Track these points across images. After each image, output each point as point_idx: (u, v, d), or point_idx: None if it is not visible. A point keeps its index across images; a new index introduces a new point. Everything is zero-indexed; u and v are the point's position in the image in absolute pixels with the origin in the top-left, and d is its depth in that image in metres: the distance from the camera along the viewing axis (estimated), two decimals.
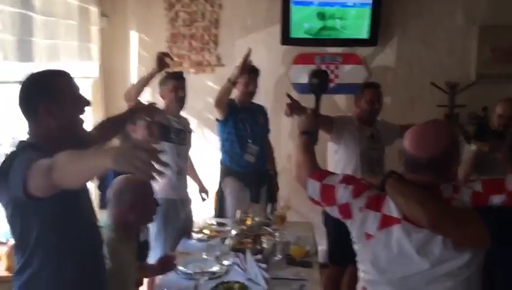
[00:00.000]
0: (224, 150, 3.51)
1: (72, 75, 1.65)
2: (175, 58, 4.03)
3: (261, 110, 3.61)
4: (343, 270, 3.31)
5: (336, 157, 3.20)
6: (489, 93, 4.10)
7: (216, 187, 3.55)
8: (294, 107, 2.91)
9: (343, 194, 1.57)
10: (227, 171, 3.50)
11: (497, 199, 1.45)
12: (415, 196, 1.44)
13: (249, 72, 3.33)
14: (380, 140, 3.26)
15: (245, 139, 3.43)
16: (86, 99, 1.67)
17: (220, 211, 3.48)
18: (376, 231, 1.49)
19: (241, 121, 3.44)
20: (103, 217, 2.11)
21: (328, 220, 3.23)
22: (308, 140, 1.86)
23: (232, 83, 3.24)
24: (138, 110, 2.50)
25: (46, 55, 3.04)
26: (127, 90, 3.01)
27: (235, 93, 3.43)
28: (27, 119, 1.60)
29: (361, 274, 1.61)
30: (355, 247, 1.60)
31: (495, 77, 4.14)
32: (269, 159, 3.66)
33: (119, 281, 1.97)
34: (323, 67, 4.16)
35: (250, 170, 3.45)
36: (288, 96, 2.98)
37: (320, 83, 2.07)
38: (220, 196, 3.50)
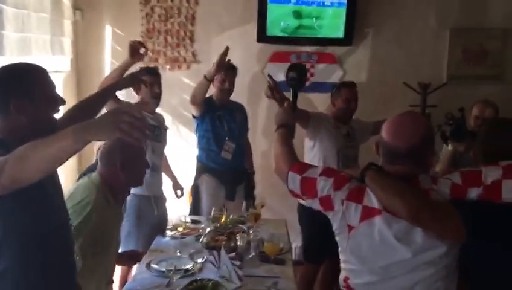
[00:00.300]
0: (201, 146, 3.49)
1: (47, 71, 1.58)
2: (150, 53, 4.00)
3: (239, 108, 3.60)
4: (317, 268, 3.35)
5: (312, 154, 3.23)
6: (460, 94, 4.20)
7: (191, 183, 3.53)
8: (274, 90, 2.85)
9: (324, 186, 1.58)
10: (203, 168, 3.48)
11: (474, 192, 1.49)
12: (394, 188, 1.47)
13: (226, 69, 3.32)
14: (355, 138, 3.31)
15: (222, 136, 3.42)
16: (60, 98, 1.60)
17: (195, 208, 3.47)
18: (358, 223, 1.51)
19: (218, 118, 3.43)
20: (91, 177, 2.08)
21: (303, 217, 3.26)
22: (286, 133, 1.86)
23: (208, 80, 3.22)
24: (122, 81, 2.45)
25: (17, 49, 2.96)
26: (102, 82, 2.93)
27: (212, 91, 3.42)
28: None
29: (342, 265, 1.63)
30: (337, 238, 1.61)
31: (465, 78, 4.25)
32: (247, 157, 3.66)
33: (102, 241, 1.95)
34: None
35: (227, 168, 3.44)
36: (270, 76, 2.90)
37: (298, 77, 2.06)
38: (196, 192, 3.48)
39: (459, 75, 4.25)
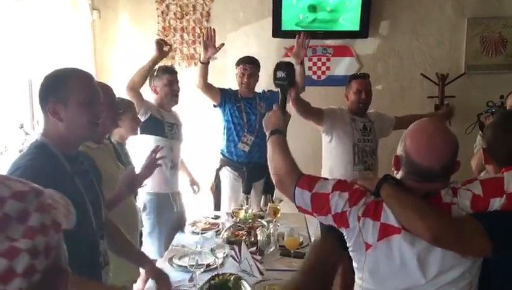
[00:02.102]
0: (224, 138, 3.57)
1: (91, 77, 1.62)
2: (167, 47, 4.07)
3: (264, 98, 3.60)
4: None
5: (329, 148, 3.24)
6: (479, 84, 4.17)
7: (210, 178, 3.59)
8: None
9: (338, 202, 1.46)
10: (224, 161, 3.56)
11: (497, 203, 1.39)
12: (414, 206, 1.38)
13: (243, 62, 3.44)
14: (373, 131, 3.29)
15: (241, 127, 3.47)
16: (99, 106, 1.60)
17: (217, 201, 3.53)
18: (376, 241, 1.41)
19: (238, 109, 3.49)
20: None
21: None
22: (281, 140, 1.68)
23: (202, 62, 3.35)
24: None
25: (39, 49, 3.03)
26: (131, 80, 3.00)
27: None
28: (43, 114, 1.60)
29: (358, 281, 1.53)
30: (352, 254, 1.52)
31: (484, 68, 4.20)
32: None
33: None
34: (313, 60, 4.18)
35: (244, 160, 3.48)
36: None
37: (287, 76, 1.81)
38: (217, 185, 3.54)
39: (477, 65, 4.20)
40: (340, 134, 3.18)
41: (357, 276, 1.53)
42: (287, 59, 4.07)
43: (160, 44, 3.01)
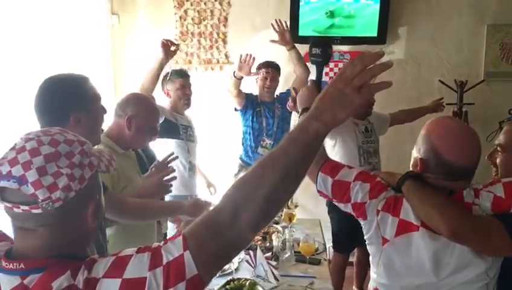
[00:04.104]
0: (242, 142, 3.60)
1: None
2: (184, 55, 4.10)
3: (280, 101, 3.63)
4: (347, 257, 3.44)
5: (333, 152, 3.24)
6: (498, 91, 4.11)
7: (227, 182, 3.60)
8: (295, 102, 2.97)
9: (358, 192, 1.48)
10: (242, 165, 3.60)
11: None
12: (434, 201, 1.37)
13: (265, 66, 3.49)
14: (374, 132, 3.36)
15: (260, 131, 3.50)
16: (104, 107, 1.69)
17: None
18: (393, 237, 1.42)
19: (257, 114, 3.53)
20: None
21: (331, 208, 3.27)
22: None
23: (236, 77, 3.42)
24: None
25: (59, 54, 3.07)
26: (141, 84, 2.98)
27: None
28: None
29: (373, 275, 1.55)
30: (368, 247, 1.54)
31: (503, 75, 4.15)
32: None
33: (124, 182, 1.96)
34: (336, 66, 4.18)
35: None
36: (294, 89, 3.02)
37: (322, 53, 1.72)
38: None
39: (497, 72, 4.15)
40: (345, 138, 3.23)
41: (372, 270, 1.55)
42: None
43: (166, 45, 2.94)
